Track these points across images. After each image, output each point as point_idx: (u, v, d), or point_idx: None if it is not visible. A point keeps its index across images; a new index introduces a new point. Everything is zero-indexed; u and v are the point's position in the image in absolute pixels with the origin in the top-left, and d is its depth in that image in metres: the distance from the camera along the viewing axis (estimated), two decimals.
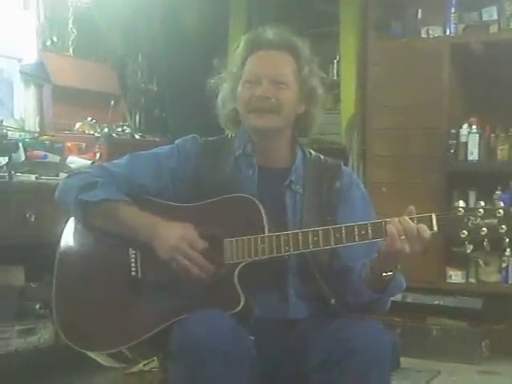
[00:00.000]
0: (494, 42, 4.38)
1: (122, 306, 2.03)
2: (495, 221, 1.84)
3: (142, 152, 2.23)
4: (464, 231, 1.86)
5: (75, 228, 2.16)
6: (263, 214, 1.99)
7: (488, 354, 4.28)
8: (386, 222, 1.88)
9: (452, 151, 4.46)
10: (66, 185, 2.17)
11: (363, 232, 1.90)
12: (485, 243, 1.86)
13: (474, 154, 4.41)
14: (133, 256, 2.06)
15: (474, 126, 4.42)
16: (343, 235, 1.91)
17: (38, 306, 3.39)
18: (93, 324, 2.05)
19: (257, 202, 2.02)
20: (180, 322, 1.88)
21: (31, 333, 3.29)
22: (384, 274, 1.94)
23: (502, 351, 4.24)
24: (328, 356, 1.85)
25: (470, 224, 1.86)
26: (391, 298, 2.06)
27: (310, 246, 1.93)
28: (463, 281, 4.43)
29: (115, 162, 2.21)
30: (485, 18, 4.49)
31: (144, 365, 2.74)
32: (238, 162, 2.16)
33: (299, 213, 2.11)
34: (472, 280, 4.44)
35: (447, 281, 4.44)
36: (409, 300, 4.39)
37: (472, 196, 4.46)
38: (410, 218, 1.87)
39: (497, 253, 4.34)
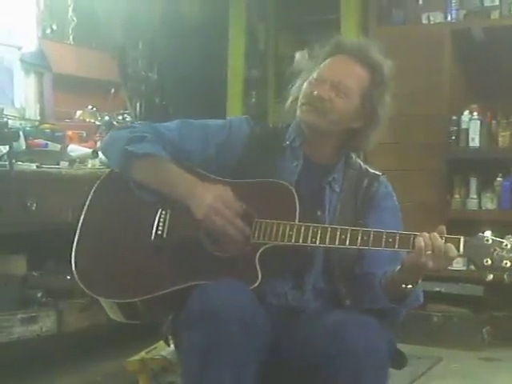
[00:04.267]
0: (496, 28, 4.37)
1: (143, 260, 2.05)
2: None
3: (193, 120, 2.24)
4: (488, 259, 1.91)
5: (108, 181, 2.19)
6: (296, 203, 2.02)
7: (489, 340, 4.28)
8: (415, 235, 1.92)
9: (453, 138, 4.46)
10: (114, 135, 2.21)
11: (390, 240, 1.92)
12: (505, 276, 1.92)
13: (475, 140, 4.41)
14: (162, 215, 2.08)
15: (475, 113, 4.42)
16: (370, 239, 1.93)
17: (39, 295, 3.39)
18: (111, 272, 2.06)
19: (292, 189, 2.04)
20: (200, 287, 1.90)
21: (33, 321, 3.29)
22: (404, 286, 1.98)
23: (504, 338, 4.24)
24: (324, 354, 1.86)
25: (495, 254, 1.91)
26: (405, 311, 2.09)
27: (337, 243, 1.95)
28: (464, 268, 4.40)
29: (164, 124, 2.23)
30: (486, 3, 4.49)
31: (146, 353, 2.76)
32: (285, 152, 2.18)
33: (333, 211, 2.13)
34: (473, 267, 4.41)
35: (448, 267, 4.41)
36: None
37: (473, 183, 4.47)
38: (440, 237, 1.91)
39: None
